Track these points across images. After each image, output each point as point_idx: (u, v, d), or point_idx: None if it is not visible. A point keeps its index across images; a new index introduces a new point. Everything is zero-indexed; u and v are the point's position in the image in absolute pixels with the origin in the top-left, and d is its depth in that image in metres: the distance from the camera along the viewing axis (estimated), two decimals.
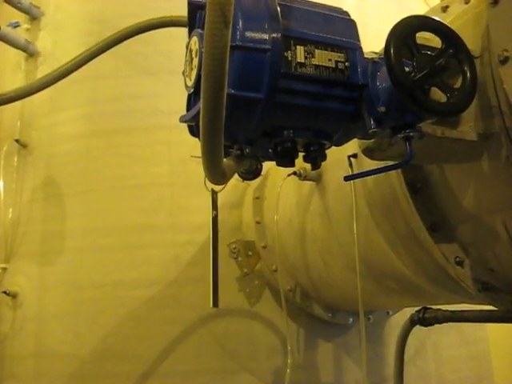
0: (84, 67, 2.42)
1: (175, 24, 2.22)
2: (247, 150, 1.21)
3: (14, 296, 2.71)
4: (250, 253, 2.53)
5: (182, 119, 1.21)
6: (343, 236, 1.97)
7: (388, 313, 2.70)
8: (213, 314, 2.46)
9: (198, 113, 1.04)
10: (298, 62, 1.08)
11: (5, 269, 2.77)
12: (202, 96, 0.96)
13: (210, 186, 1.74)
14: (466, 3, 1.62)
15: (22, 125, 2.93)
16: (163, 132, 2.68)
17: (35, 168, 2.86)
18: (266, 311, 2.54)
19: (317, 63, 1.10)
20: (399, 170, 1.45)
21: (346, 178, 1.35)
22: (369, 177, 1.61)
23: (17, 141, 2.89)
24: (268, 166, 1.39)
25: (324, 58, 1.10)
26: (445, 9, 1.63)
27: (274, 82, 1.05)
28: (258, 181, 2.49)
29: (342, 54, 1.12)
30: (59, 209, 2.72)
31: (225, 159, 1.18)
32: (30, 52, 2.98)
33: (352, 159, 1.76)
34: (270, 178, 2.49)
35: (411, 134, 1.13)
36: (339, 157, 1.77)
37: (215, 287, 1.76)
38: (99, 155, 2.73)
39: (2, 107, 2.61)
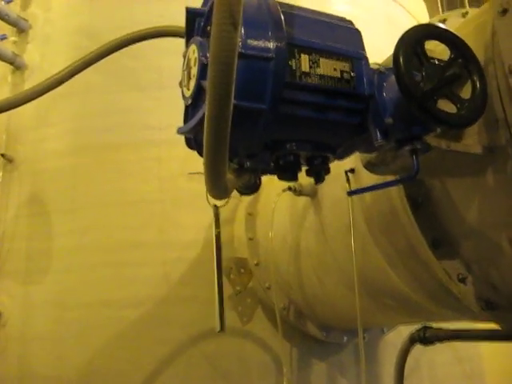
0: (72, 81, 2.37)
1: (168, 34, 2.18)
2: (247, 164, 1.16)
3: None
4: (242, 270, 2.48)
5: (180, 130, 1.16)
6: (339, 252, 1.92)
7: (383, 331, 2.65)
8: (204, 334, 2.40)
9: (198, 124, 0.99)
10: (303, 72, 1.04)
11: None
12: (207, 102, 0.91)
13: (213, 201, 1.69)
14: (463, 17, 1.61)
15: (8, 139, 2.85)
16: (153, 148, 2.64)
17: (21, 184, 2.78)
18: (259, 330, 2.48)
19: (322, 73, 1.06)
20: (400, 185, 1.42)
21: (350, 193, 1.31)
22: (367, 192, 1.58)
23: (2, 155, 2.81)
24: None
25: (329, 67, 1.07)
26: (443, 22, 1.62)
27: (277, 92, 1.01)
28: (250, 196, 2.45)
29: (348, 64, 1.09)
30: (45, 226, 2.65)
31: None
32: (17, 65, 2.92)
33: (349, 174, 1.73)
34: (263, 194, 2.44)
35: (418, 146, 1.10)
36: (335, 171, 1.73)
37: (221, 310, 1.68)
38: (87, 171, 2.67)
39: None
